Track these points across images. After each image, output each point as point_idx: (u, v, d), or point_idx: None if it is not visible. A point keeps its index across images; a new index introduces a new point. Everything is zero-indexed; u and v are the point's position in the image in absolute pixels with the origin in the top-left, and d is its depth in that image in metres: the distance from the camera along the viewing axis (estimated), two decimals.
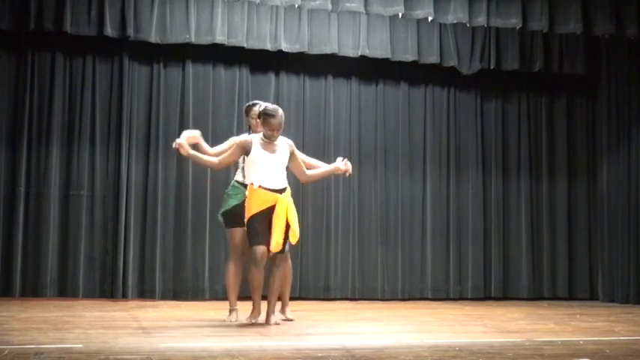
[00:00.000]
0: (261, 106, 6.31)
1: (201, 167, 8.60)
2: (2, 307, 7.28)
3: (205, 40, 8.85)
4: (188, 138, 6.30)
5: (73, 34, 8.54)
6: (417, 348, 4.83)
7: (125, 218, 8.73)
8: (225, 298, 6.79)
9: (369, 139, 9.64)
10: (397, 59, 9.45)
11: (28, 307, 7.43)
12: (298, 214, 6.26)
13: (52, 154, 8.65)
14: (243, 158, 6.21)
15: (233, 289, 6.56)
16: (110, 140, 8.86)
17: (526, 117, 10.15)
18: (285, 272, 6.37)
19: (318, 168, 6.54)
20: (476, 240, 9.80)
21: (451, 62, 9.59)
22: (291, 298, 6.94)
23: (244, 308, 6.44)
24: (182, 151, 6.01)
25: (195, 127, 8.59)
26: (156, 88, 9.02)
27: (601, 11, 8.46)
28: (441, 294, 9.59)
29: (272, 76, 9.41)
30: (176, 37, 8.78)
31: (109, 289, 8.65)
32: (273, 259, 6.08)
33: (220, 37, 8.83)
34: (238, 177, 6.48)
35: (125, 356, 4.31)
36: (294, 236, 6.10)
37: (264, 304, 6.18)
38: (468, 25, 8.70)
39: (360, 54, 9.31)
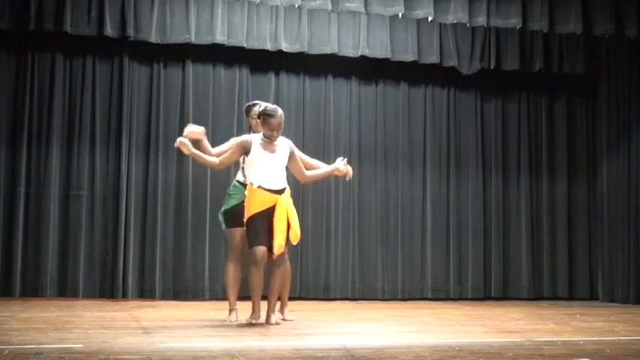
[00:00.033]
0: (261, 106, 6.31)
1: (202, 166, 8.65)
2: (2, 307, 7.28)
3: (205, 40, 8.85)
4: (192, 133, 6.30)
5: (73, 34, 8.54)
6: (417, 348, 4.83)
7: (125, 218, 8.73)
8: (225, 298, 6.78)
9: (369, 139, 9.64)
10: (397, 59, 9.45)
11: (28, 307, 7.43)
12: (298, 214, 6.26)
13: (52, 154, 8.65)
14: (244, 158, 6.21)
15: (233, 288, 6.56)
16: (110, 140, 8.86)
17: (526, 117, 10.15)
18: (284, 273, 6.36)
19: (318, 169, 6.54)
20: (476, 240, 9.80)
21: (451, 62, 9.59)
22: (291, 298, 6.95)
23: (244, 308, 6.44)
24: (185, 150, 5.98)
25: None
26: (156, 88, 9.02)
27: (601, 11, 8.46)
28: (441, 294, 9.59)
29: (272, 76, 9.41)
30: (176, 37, 8.78)
31: (109, 289, 8.65)
32: (273, 259, 6.07)
33: (220, 37, 8.83)
34: (239, 177, 6.49)
35: (125, 356, 4.31)
36: (296, 237, 6.10)
37: (263, 305, 6.18)
38: (468, 25, 8.70)
39: (360, 54, 9.31)
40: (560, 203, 10.10)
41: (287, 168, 6.16)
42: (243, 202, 6.20)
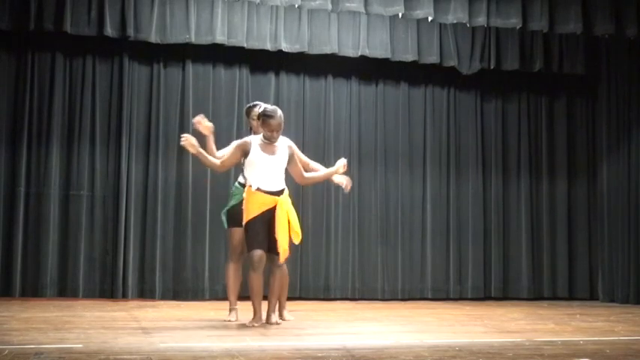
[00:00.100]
0: (261, 107, 6.31)
1: (202, 167, 8.64)
2: (2, 307, 7.28)
3: (205, 40, 8.85)
4: (199, 123, 6.30)
5: (73, 34, 8.54)
6: (417, 348, 4.83)
7: (125, 218, 8.73)
8: (225, 298, 6.79)
9: (369, 139, 9.64)
10: (397, 59, 9.45)
11: (28, 307, 7.43)
12: (298, 214, 6.26)
13: (52, 154, 8.65)
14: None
15: (233, 288, 6.57)
16: (110, 140, 8.86)
17: (526, 117, 10.15)
18: (282, 277, 6.34)
19: (317, 171, 6.53)
20: (476, 240, 9.80)
21: (451, 62, 9.59)
22: (292, 298, 6.96)
23: (244, 308, 6.45)
24: (191, 149, 5.96)
25: (195, 128, 8.62)
26: (156, 88, 9.02)
27: (601, 11, 8.46)
28: (441, 294, 9.59)
29: (272, 76, 9.41)
30: (176, 37, 8.78)
31: (109, 289, 8.65)
32: (273, 260, 6.07)
33: (220, 37, 8.83)
34: (240, 178, 6.49)
35: (125, 356, 4.31)
36: (297, 237, 6.10)
37: (264, 308, 6.17)
38: (468, 25, 8.70)
39: (360, 54, 9.31)
40: (560, 203, 10.10)
41: (286, 170, 6.15)
42: (241, 202, 6.20)
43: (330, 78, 9.59)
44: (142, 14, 8.66)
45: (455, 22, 8.43)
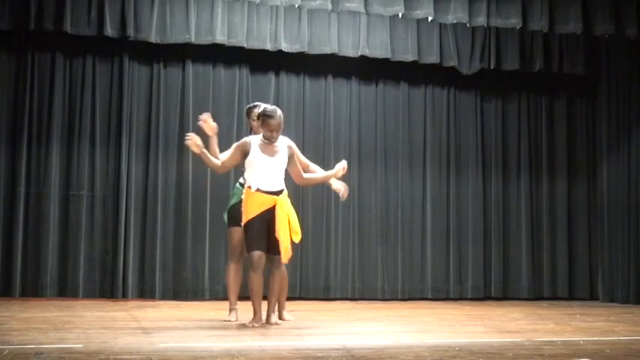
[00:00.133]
0: (261, 107, 6.31)
1: (202, 167, 8.63)
2: (2, 307, 7.28)
3: (205, 40, 8.85)
4: (205, 122, 6.30)
5: (73, 34, 8.54)
6: (417, 348, 4.83)
7: (125, 218, 8.73)
8: (225, 298, 6.79)
9: (369, 139, 9.64)
10: (397, 59, 9.45)
11: (28, 307, 7.43)
12: (298, 214, 6.26)
13: (52, 154, 8.65)
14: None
15: (233, 288, 6.57)
16: (110, 140, 8.86)
17: (526, 117, 10.15)
18: (281, 278, 6.34)
19: (315, 173, 6.53)
20: (476, 240, 9.80)
21: (451, 62, 9.59)
22: (292, 298, 6.96)
23: (244, 308, 6.44)
24: (195, 148, 5.95)
25: (195, 128, 8.57)
26: (156, 88, 9.02)
27: (601, 11, 8.46)
28: (441, 294, 9.59)
29: (272, 76, 9.41)
30: (176, 37, 8.78)
31: (109, 289, 8.65)
32: (272, 260, 6.07)
33: (220, 37, 8.83)
34: (241, 179, 6.48)
35: (125, 356, 4.31)
36: (297, 236, 6.10)
37: (264, 308, 6.17)
38: (468, 25, 8.70)
39: (360, 54, 9.31)
40: (560, 203, 10.10)
41: (285, 170, 6.15)
42: (240, 202, 6.20)
43: (330, 78, 9.59)
44: (142, 14, 8.66)
45: (455, 22, 8.43)
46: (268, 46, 9.02)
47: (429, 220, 9.70)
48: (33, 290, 8.45)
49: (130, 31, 8.59)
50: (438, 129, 9.87)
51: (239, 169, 6.45)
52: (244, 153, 6.06)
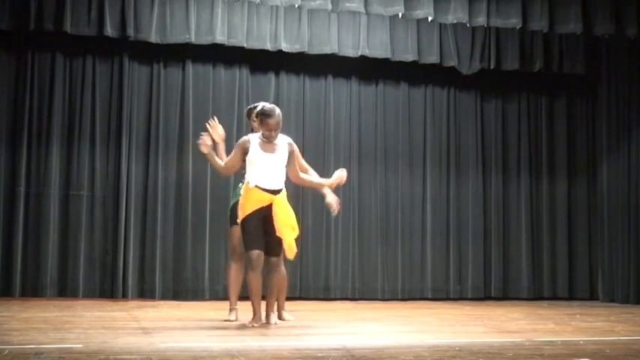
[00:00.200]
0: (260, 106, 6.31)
1: (203, 167, 8.65)
2: (2, 307, 7.28)
3: (205, 40, 8.85)
4: (213, 128, 6.32)
5: (73, 34, 8.54)
6: (417, 348, 4.83)
7: (125, 218, 8.73)
8: (225, 298, 6.79)
9: (369, 139, 9.64)
10: (397, 59, 9.45)
11: (28, 307, 7.43)
12: (298, 215, 6.26)
13: (52, 154, 8.65)
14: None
15: (234, 288, 6.57)
16: (110, 140, 8.86)
17: (526, 117, 10.15)
18: (280, 278, 6.33)
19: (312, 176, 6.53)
20: (476, 240, 9.80)
21: (451, 62, 9.59)
22: (292, 298, 6.95)
23: (244, 308, 6.44)
24: (204, 149, 6.00)
25: (195, 127, 8.65)
26: (156, 88, 9.02)
27: (601, 11, 8.46)
28: (441, 294, 9.59)
29: (272, 76, 9.41)
30: (176, 37, 8.78)
31: (109, 289, 8.65)
32: (271, 261, 6.07)
33: (220, 37, 8.83)
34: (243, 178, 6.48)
35: (125, 356, 4.31)
36: (294, 231, 6.08)
37: (264, 308, 6.17)
38: (468, 25, 8.70)
39: (360, 54, 9.31)
40: (560, 203, 10.10)
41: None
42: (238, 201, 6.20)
43: (330, 78, 9.59)
44: (142, 14, 8.66)
45: (455, 22, 8.43)
46: (268, 46, 9.02)
47: (429, 220, 9.70)
48: (33, 290, 8.45)
49: (130, 31, 8.59)
50: (438, 129, 9.87)
51: (240, 172, 6.45)
52: (244, 151, 6.06)
